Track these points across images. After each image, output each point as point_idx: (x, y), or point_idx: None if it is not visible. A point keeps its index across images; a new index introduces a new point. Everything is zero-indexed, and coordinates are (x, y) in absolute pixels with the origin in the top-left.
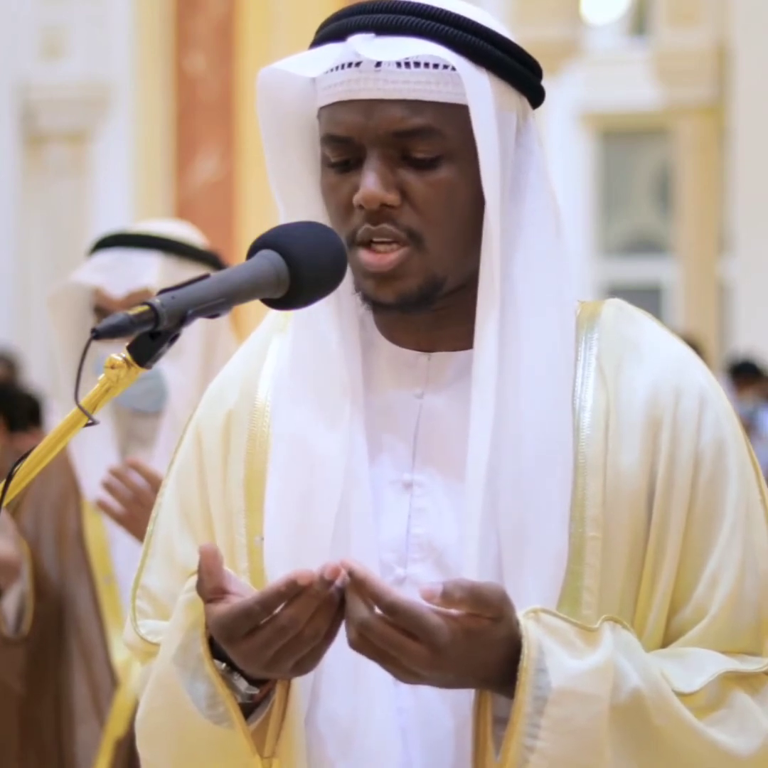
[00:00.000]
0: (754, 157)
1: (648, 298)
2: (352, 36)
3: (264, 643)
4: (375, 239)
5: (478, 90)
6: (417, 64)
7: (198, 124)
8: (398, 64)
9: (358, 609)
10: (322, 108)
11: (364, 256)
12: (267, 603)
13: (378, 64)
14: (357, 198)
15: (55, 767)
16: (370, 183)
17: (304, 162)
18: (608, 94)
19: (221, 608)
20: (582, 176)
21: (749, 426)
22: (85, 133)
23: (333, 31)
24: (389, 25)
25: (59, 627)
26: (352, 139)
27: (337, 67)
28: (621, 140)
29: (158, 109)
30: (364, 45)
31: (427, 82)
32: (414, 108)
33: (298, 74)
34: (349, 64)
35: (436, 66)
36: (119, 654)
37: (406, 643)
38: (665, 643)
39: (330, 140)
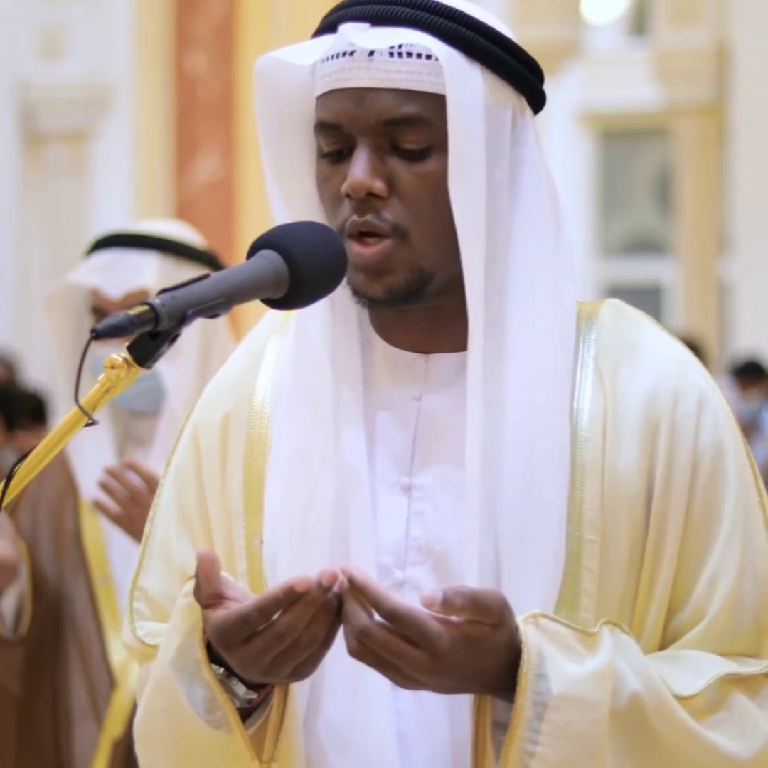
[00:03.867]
0: (754, 157)
1: (648, 298)
2: (346, 25)
3: (261, 649)
4: (362, 231)
5: (462, 82)
6: (409, 54)
7: (198, 124)
8: (391, 54)
9: (358, 616)
10: (317, 98)
11: (355, 247)
12: (264, 609)
13: (371, 53)
14: (344, 187)
15: None
16: (358, 171)
17: (301, 154)
18: (608, 95)
19: (219, 614)
20: (582, 176)
21: (753, 426)
22: (85, 133)
23: (330, 22)
24: (384, 15)
25: (57, 628)
26: (341, 126)
27: (332, 57)
28: (621, 140)
29: (158, 109)
30: (357, 34)
31: (418, 73)
32: (405, 97)
33: (293, 62)
34: (343, 54)
35: (428, 57)
36: (117, 654)
37: (407, 650)
38: (664, 645)
39: (321, 127)
